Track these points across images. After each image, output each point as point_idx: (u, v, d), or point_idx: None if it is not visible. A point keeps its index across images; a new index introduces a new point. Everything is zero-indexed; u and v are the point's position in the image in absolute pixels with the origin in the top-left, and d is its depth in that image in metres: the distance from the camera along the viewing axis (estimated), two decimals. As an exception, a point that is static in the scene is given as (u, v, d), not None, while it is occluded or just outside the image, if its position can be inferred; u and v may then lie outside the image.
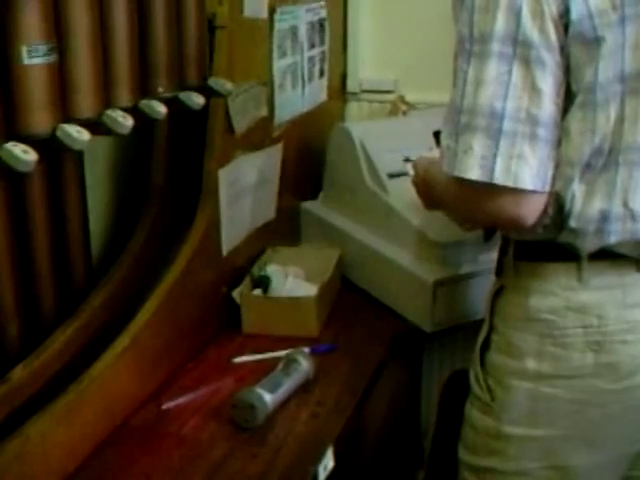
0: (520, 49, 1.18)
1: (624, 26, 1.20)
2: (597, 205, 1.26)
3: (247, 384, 1.54)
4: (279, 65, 1.96)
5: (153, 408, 1.52)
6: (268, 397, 1.48)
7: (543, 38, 1.18)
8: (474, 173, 1.21)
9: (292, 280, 1.89)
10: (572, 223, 1.27)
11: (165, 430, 1.47)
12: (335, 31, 2.34)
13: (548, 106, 1.20)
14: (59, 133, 1.20)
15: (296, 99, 2.10)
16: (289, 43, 2.00)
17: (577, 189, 1.26)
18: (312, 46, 2.15)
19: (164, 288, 1.57)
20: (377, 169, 1.98)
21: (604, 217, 1.27)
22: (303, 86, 2.13)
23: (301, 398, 1.56)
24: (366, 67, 2.51)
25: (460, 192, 1.28)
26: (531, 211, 1.24)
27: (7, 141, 1.14)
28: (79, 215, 1.52)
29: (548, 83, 1.19)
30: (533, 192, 1.21)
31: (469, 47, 1.22)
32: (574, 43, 1.19)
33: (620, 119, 1.23)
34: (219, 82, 1.59)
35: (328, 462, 1.42)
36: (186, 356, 1.69)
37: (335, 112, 2.47)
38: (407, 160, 2.02)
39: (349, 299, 2.00)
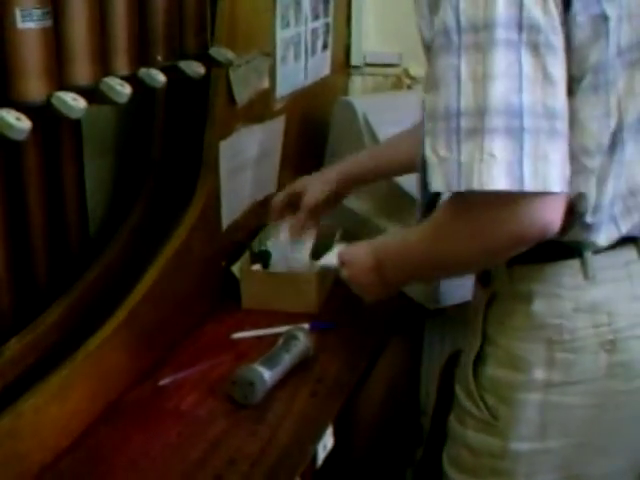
0: (527, 35, 1.04)
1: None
2: (610, 191, 1.17)
3: (246, 360, 1.52)
4: (282, 36, 1.92)
5: (150, 384, 1.50)
6: (267, 374, 1.45)
7: (549, 20, 1.05)
8: (501, 182, 1.04)
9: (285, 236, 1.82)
10: (588, 218, 1.17)
11: (162, 406, 1.45)
12: (339, 3, 2.30)
13: (562, 96, 1.07)
14: (54, 101, 1.17)
15: (299, 71, 2.07)
16: (292, 13, 1.96)
17: (594, 179, 1.16)
18: (316, 17, 2.11)
19: (162, 262, 1.55)
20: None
21: (613, 201, 1.18)
22: (306, 58, 2.09)
23: (300, 375, 1.54)
24: (370, 40, 2.47)
25: (471, 216, 1.12)
26: (558, 215, 1.10)
27: (0, 108, 1.11)
28: (76, 187, 1.49)
29: (559, 70, 1.07)
30: (559, 194, 1.08)
31: (457, 39, 1.06)
32: (578, 20, 1.09)
33: (624, 95, 1.15)
34: (220, 51, 1.55)
35: (327, 441, 1.40)
36: (184, 331, 1.66)
37: (338, 86, 2.44)
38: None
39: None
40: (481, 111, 1.05)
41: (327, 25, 2.21)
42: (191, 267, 1.65)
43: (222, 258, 1.81)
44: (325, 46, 2.22)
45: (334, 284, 1.89)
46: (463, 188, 1.06)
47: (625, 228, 1.22)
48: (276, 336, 1.59)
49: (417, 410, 2.33)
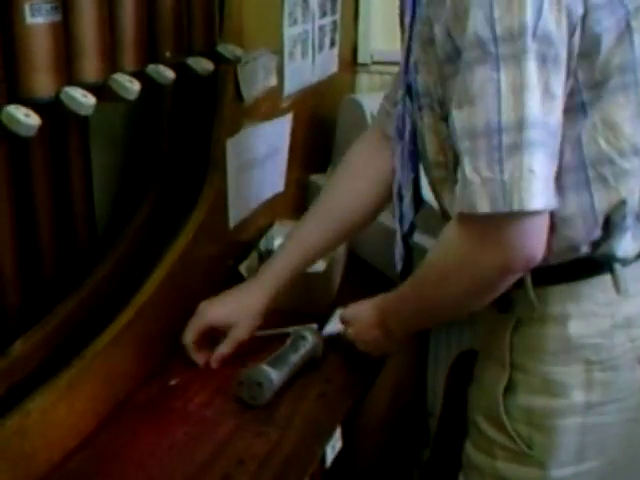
0: (538, 45, 1.01)
1: None
2: (637, 195, 1.16)
3: (254, 360, 1.50)
4: (289, 33, 1.91)
5: (157, 384, 1.49)
6: (275, 374, 1.44)
7: (559, 33, 1.03)
8: (540, 202, 1.02)
9: None
10: (625, 224, 1.16)
11: (170, 406, 1.43)
12: (347, 0, 2.29)
13: (558, 112, 1.05)
14: (63, 97, 1.16)
15: (306, 69, 2.06)
16: (300, 10, 1.95)
17: (633, 182, 1.14)
18: (323, 15, 2.10)
19: (170, 261, 1.53)
20: (388, 142, 1.94)
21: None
22: (313, 56, 2.08)
23: (309, 376, 1.52)
24: (377, 38, 2.46)
25: (472, 244, 1.11)
26: (545, 239, 1.09)
27: (9, 104, 1.10)
28: (83, 184, 1.48)
29: (560, 86, 1.04)
30: (542, 215, 1.06)
31: (494, 50, 1.01)
32: (599, 20, 1.05)
33: None
34: (228, 48, 1.54)
35: (336, 442, 1.39)
36: (191, 331, 1.65)
37: (345, 83, 2.43)
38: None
39: (357, 275, 1.96)
40: (522, 125, 1.02)
41: (334, 22, 2.20)
42: (198, 266, 1.64)
43: (229, 257, 1.80)
44: (333, 43, 2.21)
45: (341, 283, 1.88)
46: (513, 209, 1.03)
47: None
48: (284, 336, 1.58)
49: (424, 411, 2.32)
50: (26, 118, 1.08)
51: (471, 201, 1.06)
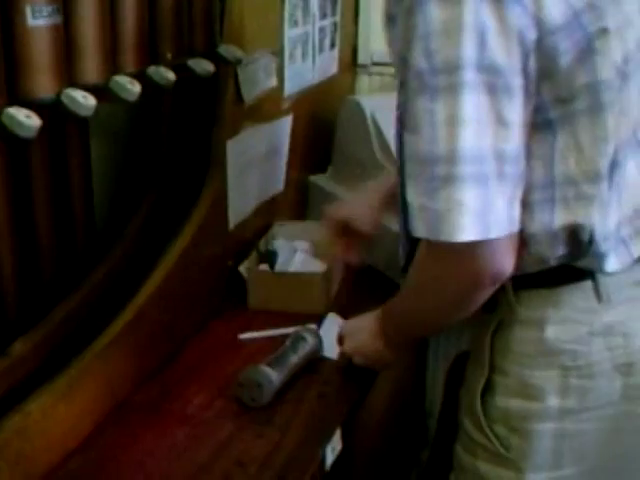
0: (485, 76, 1.02)
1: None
2: (615, 216, 1.15)
3: (253, 361, 1.50)
4: (290, 35, 1.91)
5: (157, 385, 1.49)
6: (275, 375, 1.44)
7: (510, 61, 1.03)
8: (469, 233, 1.04)
9: (300, 256, 1.85)
10: (598, 247, 1.15)
11: (169, 408, 1.43)
12: (347, 1, 2.29)
13: (516, 139, 1.05)
14: (64, 98, 1.16)
15: (306, 70, 2.06)
16: (300, 12, 1.95)
17: (598, 208, 1.13)
18: (324, 16, 2.10)
19: (169, 261, 1.53)
20: (388, 143, 1.94)
21: (617, 227, 1.16)
22: (314, 57, 2.08)
23: (308, 377, 1.53)
24: (377, 39, 2.45)
25: (439, 263, 1.14)
26: (509, 261, 1.11)
27: (10, 105, 1.10)
28: (83, 184, 1.48)
29: (516, 113, 1.04)
30: (506, 238, 1.08)
31: (432, 81, 1.02)
32: (555, 42, 1.05)
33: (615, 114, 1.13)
34: (229, 49, 1.55)
35: (336, 444, 1.39)
36: (190, 331, 1.65)
37: (345, 85, 2.43)
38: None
39: (357, 276, 1.96)
40: (454, 158, 1.03)
41: (335, 24, 2.20)
42: (198, 267, 1.64)
43: (229, 258, 1.80)
44: (333, 45, 2.21)
45: (340, 283, 1.88)
46: (439, 238, 1.06)
47: (637, 250, 1.20)
48: (283, 337, 1.58)
49: (422, 412, 2.32)
50: (27, 119, 1.09)
51: (413, 224, 1.09)
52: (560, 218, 1.14)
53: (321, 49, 2.12)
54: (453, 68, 1.01)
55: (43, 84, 1.15)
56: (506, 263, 1.11)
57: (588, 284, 1.19)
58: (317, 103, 2.16)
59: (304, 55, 2.02)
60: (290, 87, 1.96)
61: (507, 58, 1.02)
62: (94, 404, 1.36)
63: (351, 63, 2.46)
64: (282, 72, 1.90)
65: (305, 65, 2.04)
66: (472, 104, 1.02)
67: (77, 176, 1.46)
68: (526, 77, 1.05)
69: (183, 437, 1.36)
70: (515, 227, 1.09)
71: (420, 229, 1.08)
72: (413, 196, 1.08)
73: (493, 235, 1.06)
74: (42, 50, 1.13)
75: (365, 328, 1.46)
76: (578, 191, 1.12)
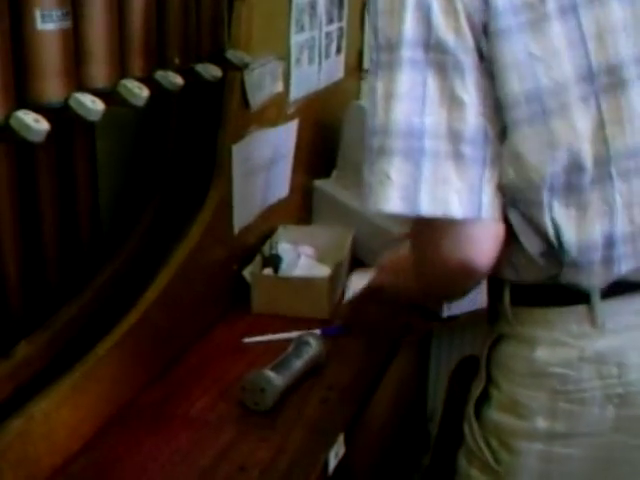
0: (433, 54, 1.02)
1: (578, 15, 1.05)
2: (597, 229, 1.09)
3: (257, 365, 1.50)
4: (296, 40, 1.92)
5: (161, 388, 1.49)
6: (278, 380, 1.44)
7: (459, 40, 1.02)
8: (396, 205, 1.03)
9: (305, 260, 1.85)
10: (571, 255, 1.10)
11: (172, 411, 1.44)
12: (353, 7, 2.30)
13: (472, 119, 1.03)
14: (72, 102, 1.16)
15: (312, 75, 2.06)
16: (307, 17, 1.95)
17: (561, 215, 1.09)
18: (330, 21, 2.10)
19: (174, 265, 1.54)
20: (393, 149, 1.94)
21: (609, 242, 1.10)
22: (320, 62, 2.09)
23: (311, 382, 1.53)
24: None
25: (412, 239, 1.16)
26: (479, 249, 1.08)
27: (18, 109, 1.10)
28: (89, 188, 1.48)
29: (470, 92, 1.03)
30: (473, 223, 1.06)
31: (376, 57, 1.05)
32: (500, 43, 1.03)
33: (600, 124, 1.06)
34: (237, 54, 1.55)
35: (339, 449, 1.39)
36: (195, 335, 1.65)
37: (351, 90, 2.43)
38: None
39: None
40: (386, 131, 1.04)
41: (341, 29, 2.20)
42: (202, 271, 1.64)
43: (234, 262, 1.80)
44: (339, 50, 2.21)
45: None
46: (375, 207, 1.06)
47: (626, 270, 1.13)
48: (287, 341, 1.58)
49: (424, 416, 2.32)
50: (35, 123, 1.09)
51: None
52: (520, 223, 1.12)
53: (327, 54, 2.13)
54: (393, 45, 1.03)
55: (52, 88, 1.15)
56: (473, 251, 1.08)
57: (583, 308, 1.14)
58: (323, 108, 2.16)
59: (310, 60, 2.03)
60: (296, 92, 1.96)
61: (455, 36, 1.02)
62: (97, 407, 1.37)
63: (357, 68, 2.46)
64: (288, 77, 1.91)
65: (311, 70, 2.05)
66: (408, 80, 1.03)
67: (83, 179, 1.46)
68: (480, 57, 1.04)
69: (186, 441, 1.36)
70: (482, 214, 1.06)
71: (367, 201, 1.08)
72: (364, 168, 1.08)
73: (425, 212, 1.04)
74: (51, 54, 1.13)
75: (395, 260, 1.46)
76: (525, 199, 1.09)
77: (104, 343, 1.37)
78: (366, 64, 2.47)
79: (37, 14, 1.10)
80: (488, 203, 1.06)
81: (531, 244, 1.12)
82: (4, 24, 1.08)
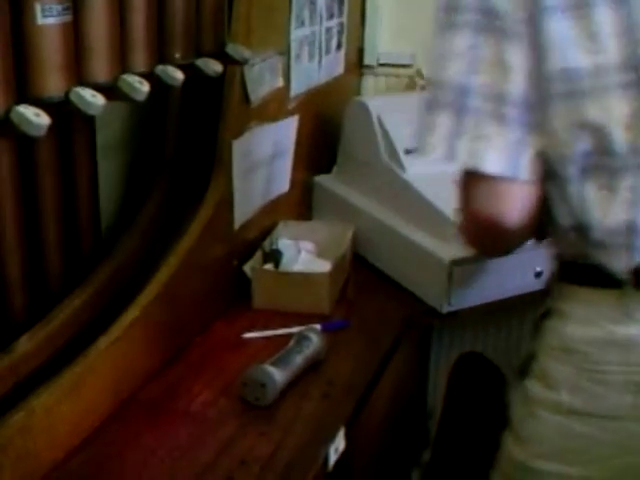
0: (489, 20, 1.08)
1: (629, 4, 1.07)
2: (622, 215, 1.12)
3: (257, 360, 1.50)
4: (296, 35, 1.91)
5: (161, 383, 1.49)
6: (279, 375, 1.44)
7: (513, 9, 1.07)
8: (438, 151, 1.12)
9: (305, 255, 1.85)
10: (595, 234, 1.14)
11: (173, 406, 1.44)
12: (354, 2, 2.30)
13: (519, 84, 1.09)
14: (73, 97, 1.16)
15: (313, 71, 2.06)
16: (307, 13, 1.95)
17: (590, 194, 1.12)
18: (330, 17, 2.10)
19: (174, 260, 1.54)
20: (394, 145, 1.95)
21: (632, 230, 1.12)
22: (320, 58, 2.09)
23: (312, 377, 1.53)
24: (384, 40, 2.46)
25: (456, 191, 1.20)
26: (508, 206, 1.13)
27: (19, 104, 1.10)
28: (89, 183, 1.48)
29: (518, 59, 1.08)
30: (507, 181, 1.11)
31: (439, 18, 1.13)
32: (548, 19, 1.07)
33: (637, 112, 1.08)
34: (237, 49, 1.54)
35: (339, 444, 1.39)
36: (195, 330, 1.65)
37: (351, 85, 2.43)
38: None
39: (362, 276, 1.96)
40: (440, 86, 1.12)
41: (341, 24, 2.20)
42: (203, 266, 1.64)
43: (234, 257, 1.80)
44: (339, 45, 2.21)
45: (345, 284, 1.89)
46: (420, 152, 1.16)
47: None
48: (288, 336, 1.58)
49: (424, 412, 2.32)
50: (36, 118, 1.08)
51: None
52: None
53: (327, 50, 2.13)
54: (454, 8, 1.11)
55: (52, 83, 1.15)
56: (503, 208, 1.14)
57: (616, 293, 1.16)
58: (323, 104, 2.16)
59: (311, 56, 2.02)
60: (296, 87, 1.96)
61: (510, 5, 1.08)
62: (98, 402, 1.37)
63: (357, 64, 2.46)
64: (288, 72, 1.90)
65: (311, 65, 2.04)
66: (463, 42, 1.10)
67: (83, 174, 1.46)
68: (530, 28, 1.08)
69: (187, 436, 1.36)
70: (517, 174, 1.11)
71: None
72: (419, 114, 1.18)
73: (460, 162, 1.12)
74: (51, 49, 1.13)
75: None
76: (556, 170, 1.14)
77: (105, 338, 1.37)
78: (367, 60, 2.47)
79: (37, 8, 1.10)
80: (524, 166, 1.11)
81: (562, 215, 1.17)
82: (4, 18, 1.08)
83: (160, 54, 1.37)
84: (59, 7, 1.12)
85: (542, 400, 1.25)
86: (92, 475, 1.27)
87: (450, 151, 1.11)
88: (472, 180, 1.14)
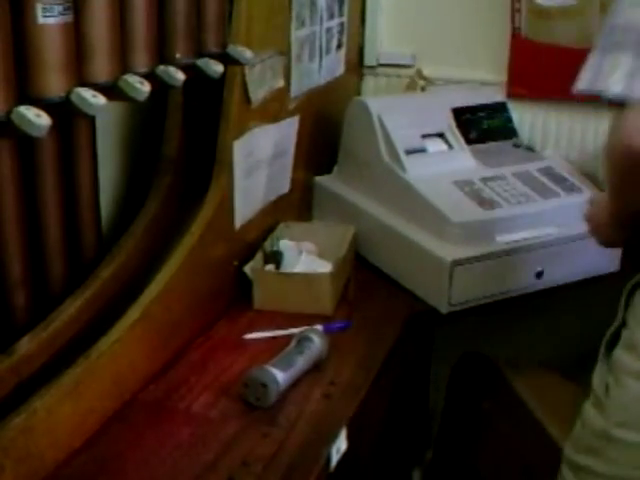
0: None
1: None
2: None
3: (259, 361, 1.50)
4: (297, 35, 1.91)
5: (163, 383, 1.49)
6: (280, 376, 1.44)
7: None
8: (617, 87, 1.19)
9: (306, 256, 1.85)
10: None
11: (175, 406, 1.43)
12: (354, 2, 2.29)
13: None
14: (74, 97, 1.16)
15: (313, 71, 2.06)
16: (308, 13, 1.95)
17: None
18: (331, 17, 2.10)
19: (176, 261, 1.54)
20: (394, 145, 1.95)
21: None
22: (320, 58, 2.08)
23: (313, 377, 1.53)
24: (384, 40, 2.46)
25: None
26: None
27: (20, 104, 1.10)
28: (90, 183, 1.48)
29: None
30: None
31: None
32: None
33: None
34: (238, 50, 1.54)
35: (341, 444, 1.39)
36: (196, 331, 1.65)
37: (352, 86, 2.43)
38: (425, 136, 1.99)
39: (363, 277, 1.96)
40: (626, 28, 1.21)
41: (342, 25, 2.20)
42: (204, 267, 1.64)
43: (235, 258, 1.79)
44: (340, 46, 2.21)
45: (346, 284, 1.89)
46: (595, 87, 1.24)
47: None
48: (289, 337, 1.58)
49: (426, 411, 2.33)
50: (37, 118, 1.08)
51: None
52: None
53: (328, 50, 2.12)
54: None
55: (53, 83, 1.15)
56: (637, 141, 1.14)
57: None
58: (323, 104, 2.16)
59: (311, 56, 2.02)
60: (297, 88, 1.96)
61: None
62: (100, 403, 1.36)
63: (358, 64, 2.45)
64: (289, 73, 1.90)
65: (312, 66, 2.04)
66: None
67: (84, 174, 1.46)
68: None
69: (188, 436, 1.36)
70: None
71: (583, 82, 1.27)
72: (591, 55, 1.27)
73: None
74: (52, 49, 1.13)
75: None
76: None
77: (106, 339, 1.37)
78: (367, 60, 2.47)
79: (38, 8, 1.10)
80: None
81: None
82: (5, 18, 1.08)
83: (161, 54, 1.37)
84: (60, 7, 1.12)
85: (629, 367, 1.28)
86: (94, 476, 1.27)
87: (629, 88, 1.17)
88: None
